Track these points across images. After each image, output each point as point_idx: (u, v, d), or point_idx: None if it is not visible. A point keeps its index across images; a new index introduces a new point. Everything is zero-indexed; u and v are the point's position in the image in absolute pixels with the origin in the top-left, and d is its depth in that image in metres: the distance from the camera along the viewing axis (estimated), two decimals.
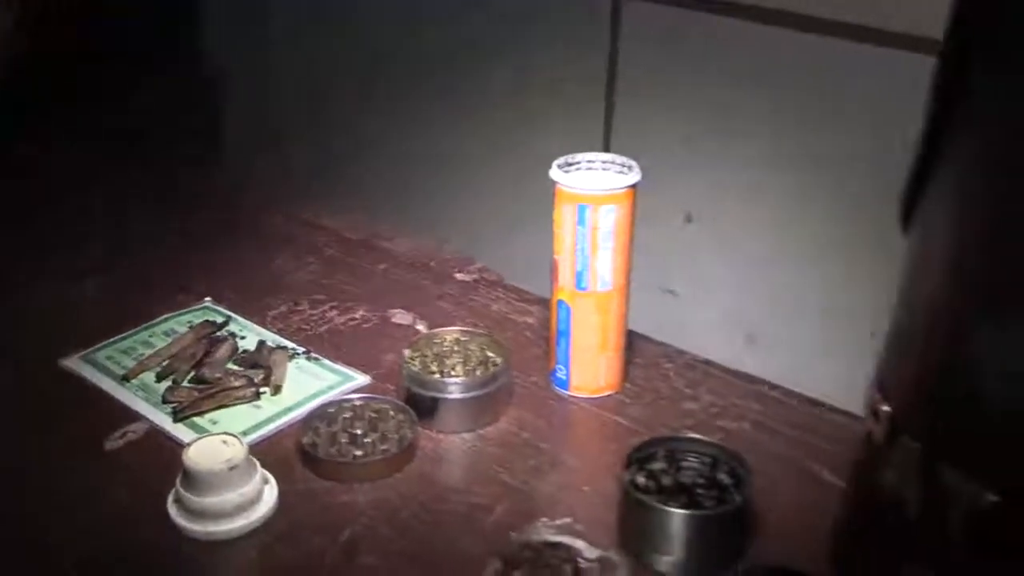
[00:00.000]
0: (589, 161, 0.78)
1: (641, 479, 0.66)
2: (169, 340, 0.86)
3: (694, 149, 0.88)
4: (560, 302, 0.79)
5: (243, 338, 0.86)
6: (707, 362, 0.86)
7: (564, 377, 0.81)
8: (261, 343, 0.85)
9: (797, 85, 0.80)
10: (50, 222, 1.06)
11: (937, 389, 0.51)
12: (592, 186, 0.74)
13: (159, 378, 0.81)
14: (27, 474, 0.71)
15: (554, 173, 0.76)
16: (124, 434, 0.76)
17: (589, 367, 0.80)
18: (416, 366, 0.78)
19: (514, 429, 0.77)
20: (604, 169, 0.77)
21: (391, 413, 0.76)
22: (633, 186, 0.75)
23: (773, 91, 0.82)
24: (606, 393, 0.81)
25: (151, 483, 0.70)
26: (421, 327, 0.89)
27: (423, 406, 0.76)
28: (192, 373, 0.81)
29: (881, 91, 0.74)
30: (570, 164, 0.77)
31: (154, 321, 0.89)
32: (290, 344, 0.86)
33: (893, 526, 0.56)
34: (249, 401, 0.78)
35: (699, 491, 0.65)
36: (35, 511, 0.68)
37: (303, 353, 0.84)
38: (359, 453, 0.72)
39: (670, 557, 0.63)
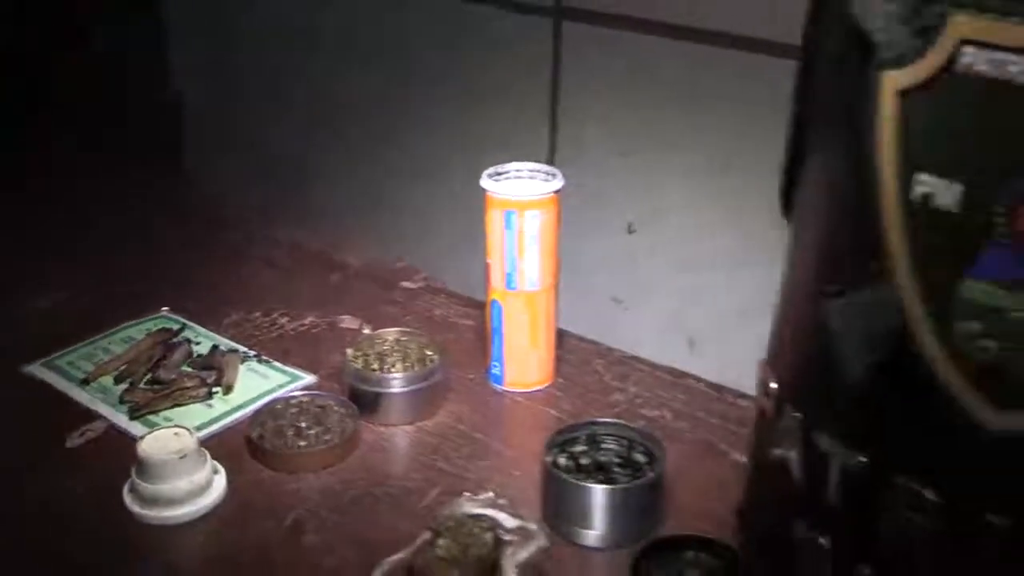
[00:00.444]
0: (517, 170, 0.84)
1: (562, 460, 0.72)
2: (127, 346, 0.90)
3: (633, 162, 0.93)
4: (493, 302, 0.84)
5: (198, 343, 0.91)
6: (635, 358, 0.92)
7: (499, 373, 0.86)
8: (214, 347, 0.90)
9: (723, 97, 0.86)
10: (10, 235, 1.10)
11: (807, 363, 0.57)
12: (517, 193, 0.80)
13: (117, 380, 0.86)
14: None
15: (484, 181, 0.82)
16: (84, 432, 0.80)
17: (521, 363, 0.85)
18: (358, 364, 0.83)
19: (452, 421, 0.83)
20: (531, 177, 0.83)
21: (335, 408, 0.81)
22: (557, 192, 0.81)
23: (702, 104, 0.87)
24: (538, 387, 0.86)
25: (109, 475, 0.74)
26: (367, 331, 0.94)
27: (365, 401, 0.81)
28: (148, 375, 0.86)
29: None
30: (500, 173, 0.83)
31: (113, 329, 0.93)
32: (242, 348, 0.91)
33: (783, 489, 0.61)
34: (202, 400, 0.83)
35: (616, 469, 0.71)
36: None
37: (254, 356, 0.89)
38: (303, 444, 0.77)
39: (590, 530, 0.69)
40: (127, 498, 0.72)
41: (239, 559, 0.68)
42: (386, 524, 0.70)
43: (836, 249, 0.53)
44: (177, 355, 0.88)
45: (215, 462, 0.74)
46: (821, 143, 0.54)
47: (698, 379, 0.89)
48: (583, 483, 0.68)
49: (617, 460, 0.72)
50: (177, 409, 0.82)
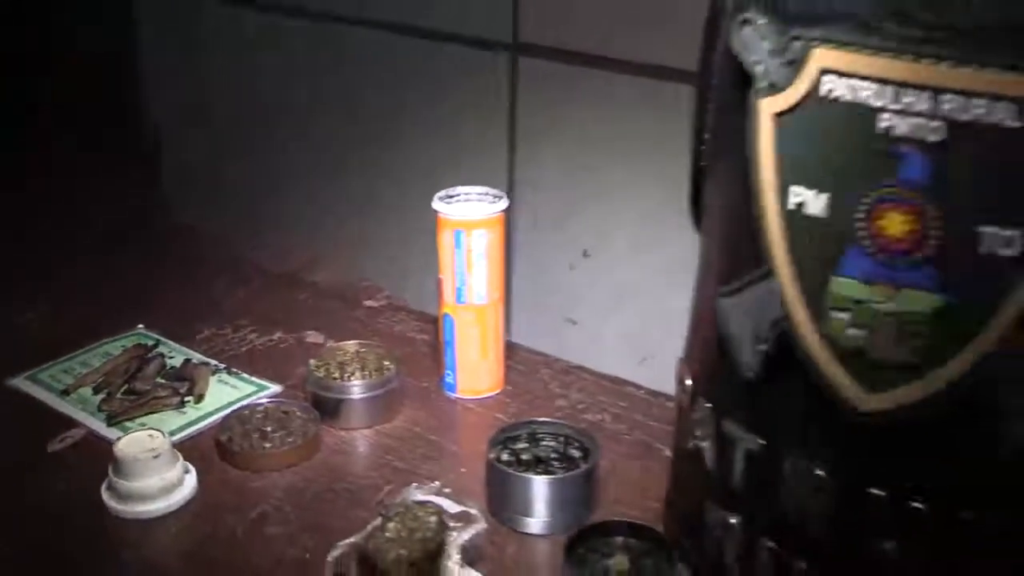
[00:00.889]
0: (467, 193, 0.91)
1: (505, 456, 0.78)
2: (105, 360, 0.97)
3: (587, 191, 1.00)
4: (445, 315, 0.91)
5: (171, 357, 0.98)
6: (580, 367, 0.98)
7: (452, 381, 0.93)
8: (187, 360, 0.97)
9: (670, 126, 0.91)
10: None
11: (714, 358, 0.64)
12: (465, 214, 0.87)
13: (95, 391, 0.92)
14: None
15: (435, 203, 0.89)
16: (64, 438, 0.86)
17: (472, 371, 0.92)
18: (321, 373, 0.90)
19: (408, 426, 0.89)
20: (479, 200, 0.90)
21: (298, 413, 0.87)
22: (502, 212, 0.88)
23: (653, 134, 0.94)
24: (488, 394, 0.93)
25: (88, 476, 0.80)
26: (330, 344, 1.00)
27: (327, 407, 0.88)
28: (125, 387, 0.92)
29: None
30: (450, 196, 0.90)
31: (92, 345, 1.00)
32: (213, 361, 0.97)
33: (699, 474, 0.68)
34: (175, 408, 0.89)
35: (554, 463, 0.78)
36: None
37: (224, 368, 0.96)
38: (268, 446, 0.83)
39: (530, 518, 0.75)
40: (105, 495, 0.78)
41: (208, 549, 0.74)
42: (343, 515, 0.77)
43: (731, 254, 0.61)
44: (151, 368, 0.95)
45: (186, 463, 0.81)
46: (716, 161, 0.62)
47: (639, 387, 0.95)
48: (522, 474, 0.74)
49: (555, 455, 0.78)
50: (151, 416, 0.88)
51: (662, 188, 0.93)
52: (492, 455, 0.77)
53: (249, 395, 0.91)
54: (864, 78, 0.51)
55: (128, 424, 0.87)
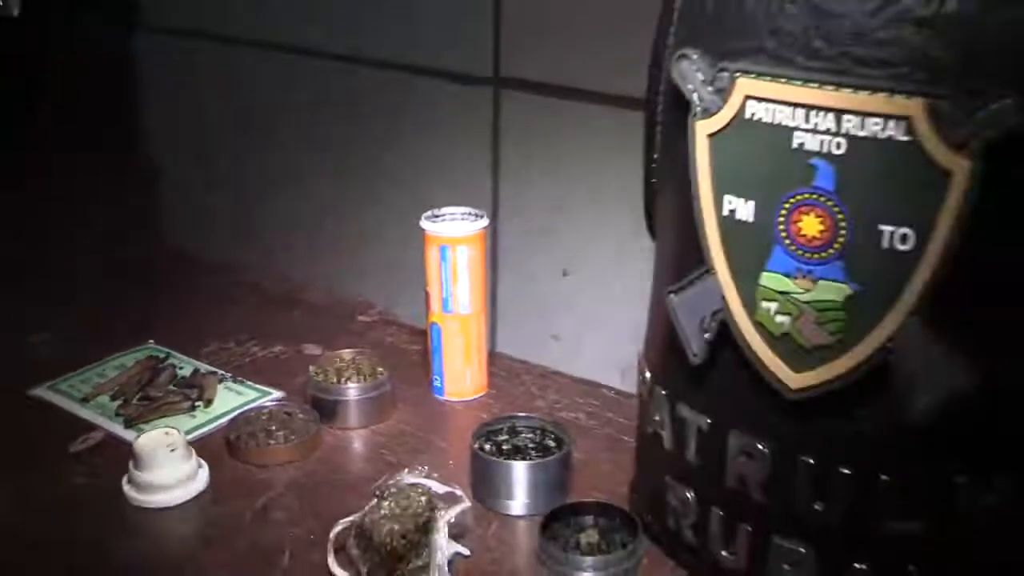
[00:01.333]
0: (451, 213, 1.00)
1: (488, 446, 0.87)
2: (120, 372, 1.05)
3: (567, 214, 1.08)
4: (433, 324, 1.00)
5: (181, 368, 1.06)
6: (558, 373, 1.07)
7: (440, 385, 1.01)
8: (195, 370, 1.05)
9: (635, 152, 1.00)
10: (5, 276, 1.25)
11: (667, 348, 0.73)
12: (450, 231, 0.96)
13: (112, 398, 1.00)
14: (7, 472, 0.90)
15: (423, 223, 0.98)
16: (85, 440, 0.94)
17: (458, 376, 1.01)
18: (320, 378, 0.98)
19: (400, 425, 0.98)
20: (463, 219, 0.99)
21: (299, 415, 0.96)
22: (483, 230, 0.97)
23: (626, 158, 1.02)
24: (473, 396, 1.02)
25: (107, 472, 0.88)
26: (328, 353, 1.09)
27: (326, 408, 0.96)
28: (139, 394, 1.00)
29: None
30: (436, 216, 0.99)
31: (107, 358, 1.08)
32: (220, 371, 1.05)
33: (658, 454, 0.77)
34: (186, 412, 0.98)
35: (531, 452, 0.86)
36: (15, 498, 0.86)
37: (230, 377, 1.04)
38: (272, 443, 0.92)
39: (511, 500, 0.84)
40: (126, 487, 0.86)
41: (221, 533, 0.82)
42: (341, 502, 0.84)
43: (678, 257, 0.70)
44: (163, 377, 1.03)
45: (199, 458, 0.89)
46: (663, 176, 0.71)
47: (610, 388, 1.04)
48: (504, 461, 0.83)
49: (532, 445, 0.87)
50: (165, 419, 0.96)
51: (636, 209, 1.01)
52: (476, 445, 0.86)
53: (254, 400, 1.00)
54: (780, 103, 0.60)
55: (144, 426, 0.95)
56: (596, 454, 0.92)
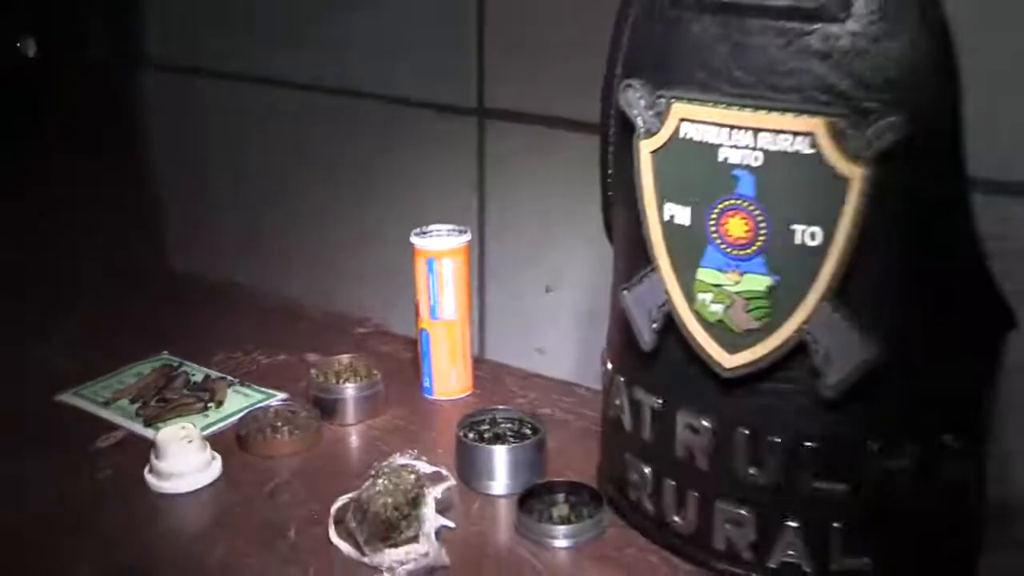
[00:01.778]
0: (437, 229, 1.11)
1: (471, 435, 0.97)
2: (138, 379, 1.16)
3: (548, 234, 1.19)
4: (422, 330, 1.11)
5: (194, 375, 1.17)
6: (536, 375, 1.18)
7: (429, 385, 1.12)
8: (207, 376, 1.16)
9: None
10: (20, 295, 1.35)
11: (624, 339, 0.83)
12: (436, 246, 1.07)
13: (132, 402, 1.10)
14: (38, 468, 0.99)
15: (412, 238, 1.09)
16: (108, 437, 1.05)
17: (445, 376, 1.11)
18: (320, 379, 1.09)
19: (393, 421, 1.08)
20: (448, 234, 1.10)
21: (302, 413, 1.06)
22: (466, 244, 1.08)
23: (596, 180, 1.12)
24: (459, 395, 1.12)
25: (130, 465, 0.99)
26: (328, 358, 1.19)
27: (326, 406, 1.07)
28: (156, 396, 1.11)
29: None
30: (424, 232, 1.10)
31: (126, 367, 1.18)
32: (229, 376, 1.16)
33: (620, 436, 0.87)
34: (199, 412, 1.08)
35: (510, 438, 0.97)
36: (45, 489, 0.96)
37: (238, 381, 1.15)
38: (278, 437, 1.02)
39: (492, 481, 0.94)
40: (148, 476, 0.96)
41: (233, 514, 0.92)
42: (341, 486, 0.94)
43: (629, 258, 0.81)
44: (178, 382, 1.14)
45: (213, 451, 0.99)
46: (616, 189, 0.82)
47: (585, 388, 1.14)
48: (482, 445, 0.94)
49: (511, 433, 0.98)
50: (181, 418, 1.06)
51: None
52: (460, 433, 0.96)
53: (260, 401, 1.10)
54: (708, 123, 0.71)
55: (161, 425, 1.05)
56: (569, 443, 1.02)
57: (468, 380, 1.13)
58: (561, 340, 1.20)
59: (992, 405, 0.78)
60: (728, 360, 0.75)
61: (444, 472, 0.89)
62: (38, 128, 1.50)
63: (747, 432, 0.76)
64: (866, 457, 0.74)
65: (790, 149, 0.68)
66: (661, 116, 0.73)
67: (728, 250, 0.72)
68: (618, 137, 0.79)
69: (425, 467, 0.89)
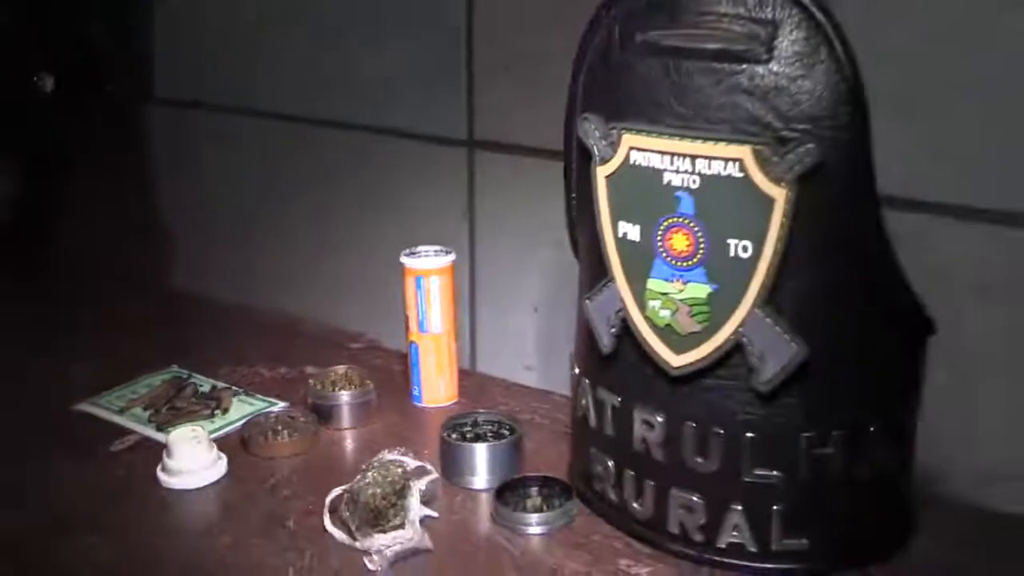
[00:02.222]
0: (425, 250, 1.21)
1: (454, 435, 1.07)
2: (149, 390, 1.25)
3: (537, 254, 1.27)
4: (411, 343, 1.20)
5: (201, 386, 1.26)
6: (518, 384, 1.27)
7: (418, 393, 1.22)
8: (214, 386, 1.25)
9: None
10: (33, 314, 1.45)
11: (587, 344, 0.93)
12: (424, 265, 1.17)
13: (145, 409, 1.20)
14: (59, 468, 1.09)
15: (402, 258, 1.19)
16: (123, 441, 1.14)
17: (433, 385, 1.21)
18: (318, 387, 1.19)
19: (385, 426, 1.18)
20: (435, 254, 1.20)
21: (301, 418, 1.16)
22: (451, 263, 1.18)
23: None
24: (446, 403, 1.22)
25: (142, 465, 1.08)
26: (325, 369, 1.29)
27: (323, 412, 1.16)
28: (167, 404, 1.21)
29: None
30: (413, 252, 1.20)
31: (137, 380, 1.28)
32: (234, 387, 1.26)
33: (586, 433, 0.96)
34: (207, 418, 1.18)
35: (490, 438, 1.06)
36: (65, 486, 1.06)
37: (243, 391, 1.24)
38: (279, 439, 1.12)
39: (474, 476, 1.03)
40: (160, 474, 1.06)
41: (237, 507, 1.02)
42: (337, 483, 1.04)
43: (590, 271, 0.90)
44: (187, 392, 1.23)
45: (219, 451, 1.09)
46: (579, 210, 0.92)
47: (561, 395, 1.24)
48: (464, 443, 1.03)
49: (491, 433, 1.07)
50: (190, 424, 1.16)
51: None
52: (444, 434, 1.06)
53: (263, 408, 1.20)
54: (653, 151, 0.81)
55: (172, 429, 1.15)
56: (544, 444, 1.11)
57: (454, 389, 1.22)
58: (548, 357, 1.30)
59: (917, 397, 0.87)
60: (676, 360, 0.84)
61: (428, 467, 0.98)
62: (58, 159, 1.61)
63: (694, 425, 0.86)
64: (800, 446, 0.83)
65: (723, 173, 0.78)
66: (614, 145, 0.83)
67: (673, 262, 0.82)
68: (579, 164, 0.89)
69: (411, 462, 0.98)
